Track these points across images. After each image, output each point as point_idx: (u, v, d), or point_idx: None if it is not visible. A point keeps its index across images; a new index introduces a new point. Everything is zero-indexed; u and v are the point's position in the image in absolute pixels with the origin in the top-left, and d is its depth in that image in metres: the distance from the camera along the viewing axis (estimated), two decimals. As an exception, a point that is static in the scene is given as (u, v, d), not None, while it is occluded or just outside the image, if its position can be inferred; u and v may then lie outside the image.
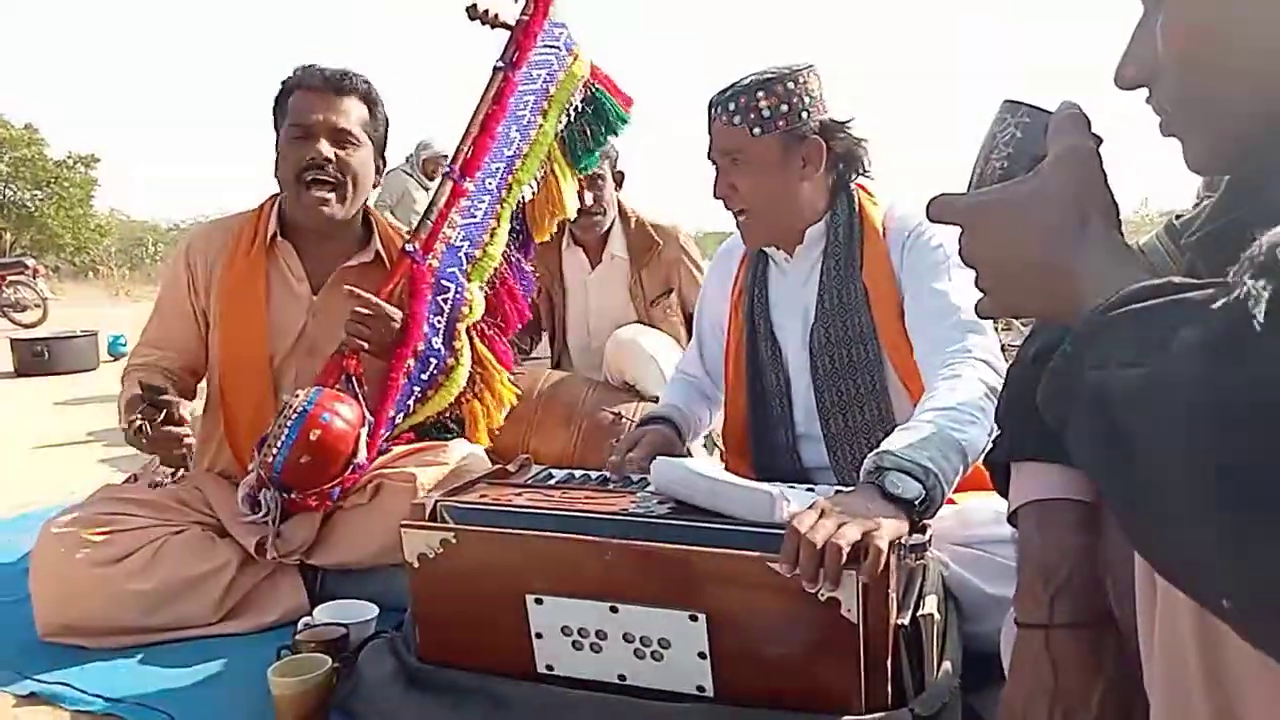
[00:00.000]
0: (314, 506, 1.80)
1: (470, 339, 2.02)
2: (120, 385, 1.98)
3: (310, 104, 1.91)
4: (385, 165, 2.07)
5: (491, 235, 2.02)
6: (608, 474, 1.60)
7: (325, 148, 1.90)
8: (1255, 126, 0.67)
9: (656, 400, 2.59)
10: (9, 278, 10.06)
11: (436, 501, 1.40)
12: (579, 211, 2.78)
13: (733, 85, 1.67)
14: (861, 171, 1.75)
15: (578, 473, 1.61)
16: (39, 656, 1.63)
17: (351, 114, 1.94)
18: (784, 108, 1.64)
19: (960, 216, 0.76)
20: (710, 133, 1.71)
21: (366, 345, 1.86)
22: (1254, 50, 0.66)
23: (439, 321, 1.95)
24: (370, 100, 1.98)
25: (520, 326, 2.19)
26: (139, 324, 2.10)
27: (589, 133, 2.14)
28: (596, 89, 2.12)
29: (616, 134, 2.18)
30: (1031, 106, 0.83)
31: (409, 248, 1.93)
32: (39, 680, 1.54)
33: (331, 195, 1.92)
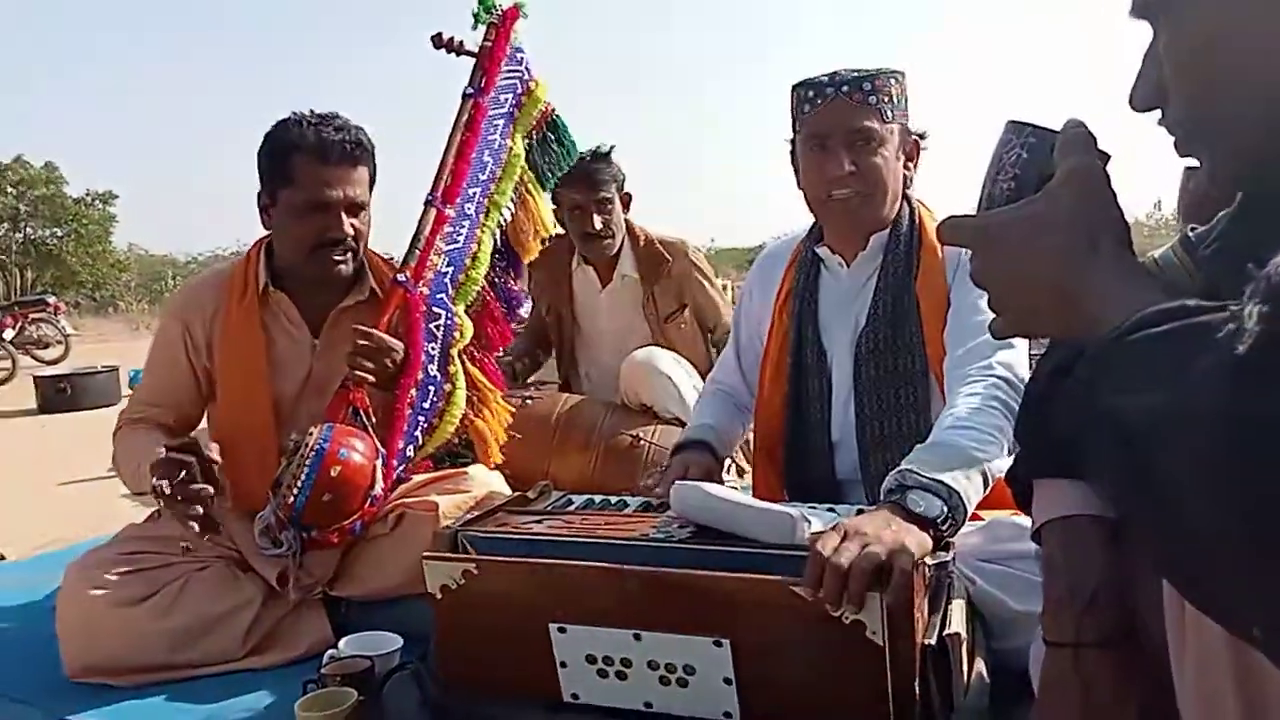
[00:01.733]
0: (335, 543, 1.80)
1: (462, 363, 2.04)
2: (112, 440, 1.96)
3: (327, 179, 1.86)
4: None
5: (473, 259, 2.05)
6: (627, 498, 1.60)
7: (346, 225, 1.89)
8: (1266, 141, 0.67)
9: (675, 421, 2.59)
10: (31, 315, 10.16)
11: (457, 531, 1.41)
12: (588, 236, 2.79)
13: (852, 70, 1.65)
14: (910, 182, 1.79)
15: (597, 498, 1.61)
16: (67, 695, 1.64)
17: (363, 182, 1.93)
18: (904, 101, 1.69)
19: (969, 238, 0.76)
20: (824, 111, 1.65)
21: (372, 379, 1.86)
22: (1257, 66, 0.66)
23: (433, 349, 1.97)
24: (373, 159, 1.96)
25: (503, 348, 2.22)
26: (159, 359, 2.10)
27: (552, 156, 2.19)
28: (555, 115, 2.18)
29: (568, 165, 2.24)
30: (1037, 127, 0.83)
31: (400, 278, 1.93)
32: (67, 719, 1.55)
33: (347, 257, 1.93)
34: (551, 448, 2.57)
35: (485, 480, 1.95)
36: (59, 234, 22.18)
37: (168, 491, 1.62)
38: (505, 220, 2.12)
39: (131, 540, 1.84)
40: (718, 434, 1.86)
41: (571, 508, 1.56)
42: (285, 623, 1.79)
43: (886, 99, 1.65)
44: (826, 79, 1.66)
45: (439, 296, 1.99)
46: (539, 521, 1.46)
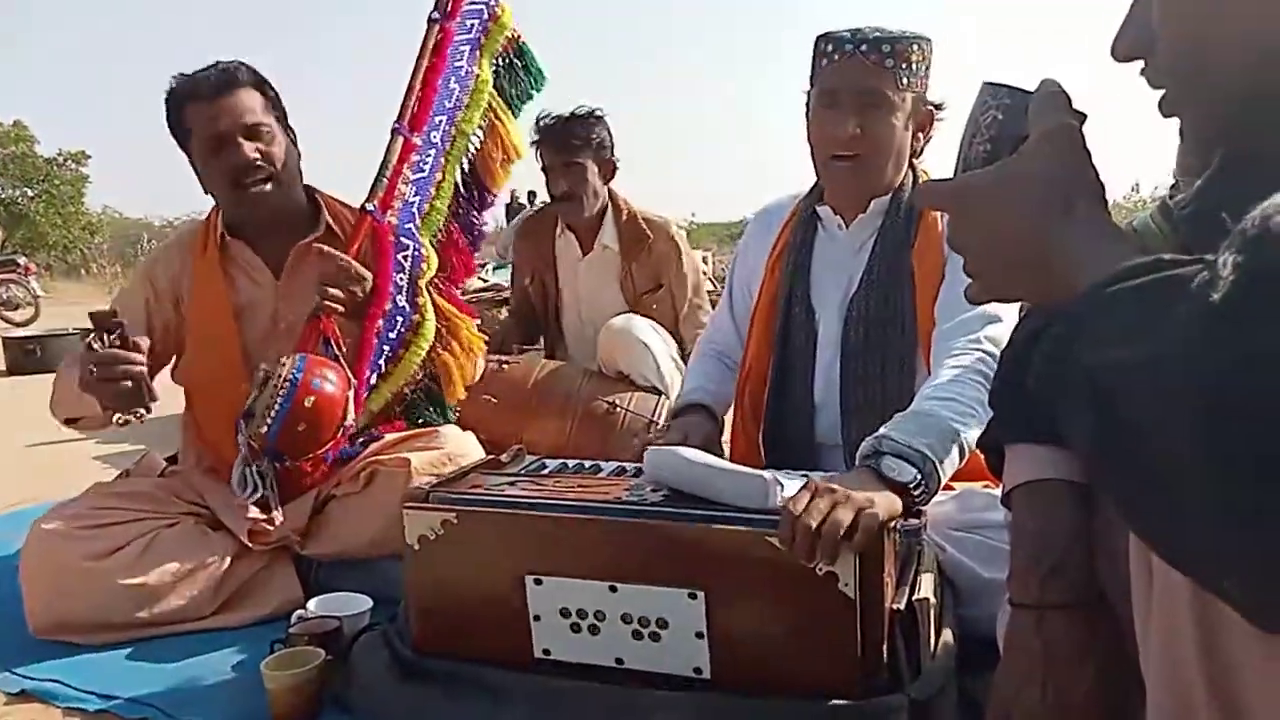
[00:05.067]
0: (309, 472, 1.82)
1: (430, 295, 2.04)
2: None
3: (212, 113, 1.88)
4: (295, 134, 2.04)
5: (438, 189, 2.06)
6: (601, 463, 1.59)
7: (248, 149, 1.89)
8: (1248, 98, 0.66)
9: (651, 389, 2.58)
10: (1, 276, 10.02)
11: (430, 491, 1.40)
12: (556, 198, 2.78)
13: (876, 29, 1.62)
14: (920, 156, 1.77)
15: (571, 462, 1.61)
16: (31, 654, 1.62)
17: (253, 106, 1.92)
18: (925, 69, 1.65)
19: (945, 201, 0.76)
20: (841, 67, 1.63)
21: (341, 309, 1.86)
22: (1242, 21, 0.65)
23: (401, 279, 1.98)
24: (258, 83, 1.96)
25: (469, 277, 2.26)
26: (132, 322, 2.07)
27: (521, 83, 2.19)
28: (522, 42, 2.17)
29: (536, 93, 2.23)
30: (1012, 88, 0.82)
31: (369, 206, 1.94)
32: (31, 678, 1.54)
33: (269, 186, 1.92)
34: (527, 413, 2.56)
35: (458, 439, 1.95)
36: (29, 194, 21.78)
37: (97, 347, 1.63)
38: (473, 149, 2.12)
39: (99, 496, 1.82)
40: (714, 395, 1.85)
41: (545, 471, 1.55)
42: (254, 581, 1.78)
43: (904, 64, 1.62)
44: (849, 35, 1.63)
45: (407, 227, 1.99)
46: (512, 484, 1.45)
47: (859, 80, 1.62)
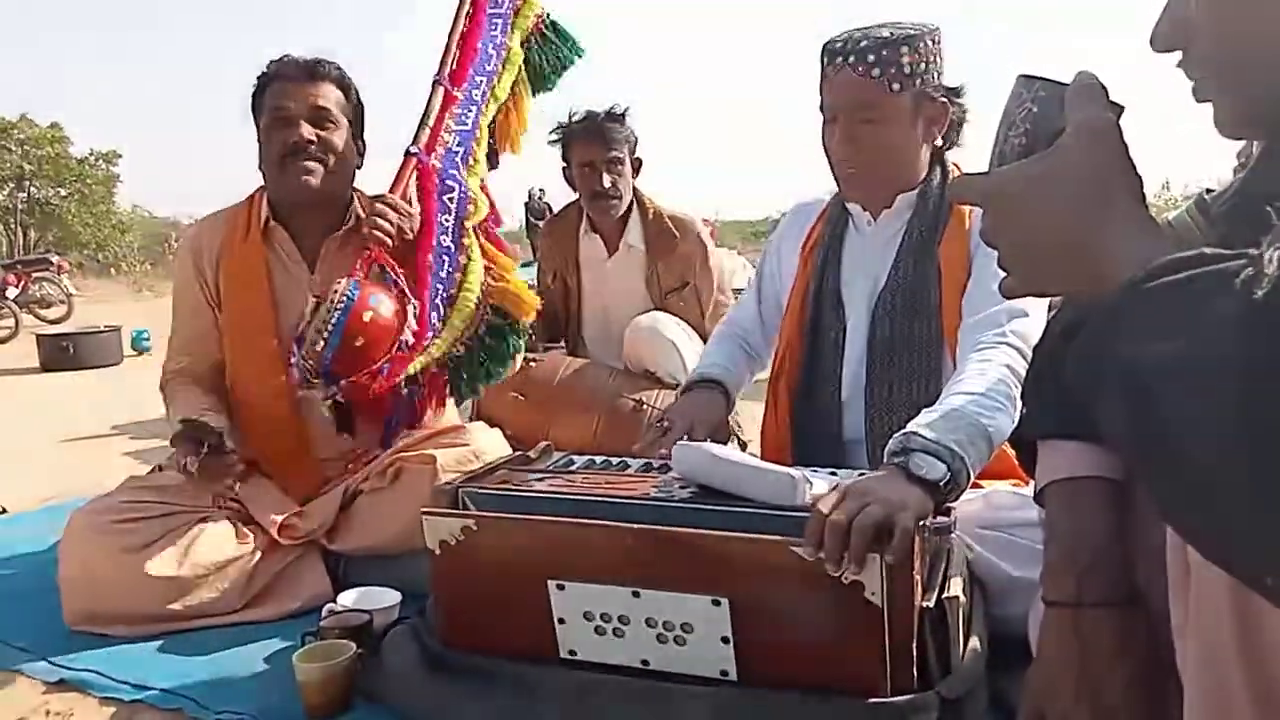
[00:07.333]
0: (367, 386, 1.79)
1: (477, 237, 2.07)
2: (162, 396, 2.01)
3: (287, 91, 1.95)
4: (365, 148, 2.10)
5: (478, 143, 2.11)
6: (628, 460, 1.60)
7: (306, 130, 1.94)
8: None
9: (678, 387, 2.58)
10: (34, 274, 10.14)
11: (458, 487, 1.41)
12: (596, 194, 2.77)
13: (865, 36, 1.61)
14: (956, 144, 1.75)
15: (599, 458, 1.61)
16: (68, 645, 1.65)
17: (329, 97, 1.98)
18: (923, 65, 1.63)
19: (980, 196, 0.75)
20: (833, 82, 1.64)
21: (390, 240, 1.89)
22: None
23: (447, 220, 2.01)
24: (344, 84, 2.03)
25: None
26: (161, 319, 2.10)
27: (554, 53, 2.26)
28: (550, 17, 2.24)
29: (574, 61, 2.30)
30: (1047, 80, 0.81)
31: (412, 149, 1.99)
32: (68, 668, 1.56)
33: (318, 167, 1.96)
34: (553, 410, 2.56)
35: (484, 437, 1.96)
36: (62, 194, 22.08)
37: (193, 470, 1.73)
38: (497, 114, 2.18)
39: (133, 490, 1.85)
40: (730, 373, 1.85)
41: (573, 468, 1.56)
42: (284, 575, 1.80)
43: (894, 68, 1.59)
44: (841, 44, 1.63)
45: (451, 171, 2.03)
46: (540, 480, 1.45)
47: (850, 96, 1.63)
